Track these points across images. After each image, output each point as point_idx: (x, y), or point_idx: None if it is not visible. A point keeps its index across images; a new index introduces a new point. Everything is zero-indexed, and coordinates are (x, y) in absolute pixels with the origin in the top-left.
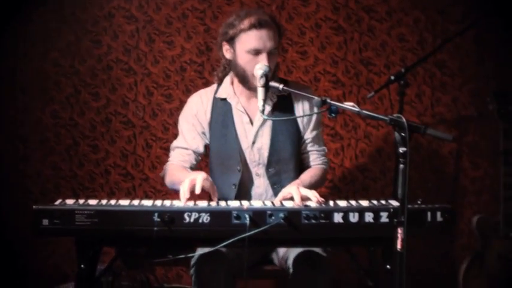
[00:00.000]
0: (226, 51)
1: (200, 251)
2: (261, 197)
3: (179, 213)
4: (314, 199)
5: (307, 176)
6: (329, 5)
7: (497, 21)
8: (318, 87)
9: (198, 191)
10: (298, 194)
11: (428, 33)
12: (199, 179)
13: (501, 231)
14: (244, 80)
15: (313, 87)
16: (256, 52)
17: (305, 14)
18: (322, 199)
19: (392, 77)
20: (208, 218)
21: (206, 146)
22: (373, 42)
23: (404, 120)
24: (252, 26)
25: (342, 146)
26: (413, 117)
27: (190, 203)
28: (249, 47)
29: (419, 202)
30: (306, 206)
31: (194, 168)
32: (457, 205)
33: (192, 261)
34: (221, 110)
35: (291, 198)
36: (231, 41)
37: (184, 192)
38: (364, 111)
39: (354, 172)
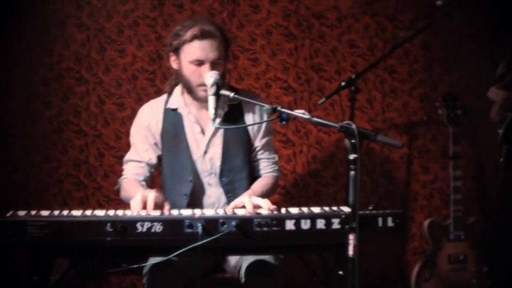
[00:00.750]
0: (173, 62)
1: (152, 260)
2: (213, 206)
3: (132, 222)
4: (266, 207)
5: (258, 185)
6: (280, 12)
7: (444, 26)
8: (270, 93)
9: (150, 208)
10: (250, 202)
11: (378, 39)
12: (151, 195)
13: (451, 234)
14: (190, 91)
15: (265, 94)
16: (199, 63)
17: (256, 21)
18: (274, 206)
19: (343, 83)
20: (161, 227)
21: (159, 157)
22: (324, 48)
23: (354, 127)
24: (194, 37)
25: (294, 153)
26: (364, 123)
27: (143, 212)
28: (191, 57)
29: (370, 208)
30: (257, 213)
31: (148, 180)
32: (408, 209)
33: (144, 270)
34: (172, 121)
35: (244, 207)
36: (176, 51)
37: (137, 204)
38: (315, 119)
39: (306, 178)
